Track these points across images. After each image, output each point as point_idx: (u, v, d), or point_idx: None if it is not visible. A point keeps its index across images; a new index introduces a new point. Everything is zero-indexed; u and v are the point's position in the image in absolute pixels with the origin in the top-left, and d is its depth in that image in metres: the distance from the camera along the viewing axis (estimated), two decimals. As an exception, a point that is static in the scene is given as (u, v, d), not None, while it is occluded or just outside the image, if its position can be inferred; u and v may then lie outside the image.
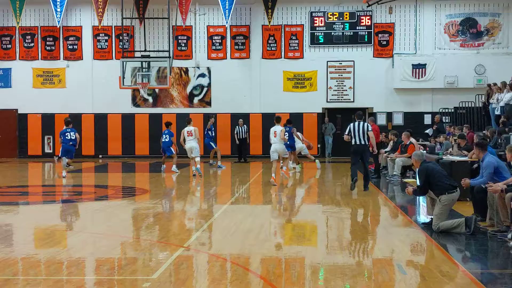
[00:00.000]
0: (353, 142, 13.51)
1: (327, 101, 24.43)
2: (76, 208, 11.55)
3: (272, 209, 11.42)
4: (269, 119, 23.67)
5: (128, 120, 24.16)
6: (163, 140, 18.67)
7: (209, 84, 24.78)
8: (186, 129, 17.69)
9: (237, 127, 22.41)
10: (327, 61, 24.26)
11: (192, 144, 17.29)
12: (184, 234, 8.80)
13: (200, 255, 7.39)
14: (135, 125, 24.50)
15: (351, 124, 13.66)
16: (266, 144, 22.76)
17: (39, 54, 25.09)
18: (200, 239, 8.40)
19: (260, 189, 14.83)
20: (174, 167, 18.41)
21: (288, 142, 17.19)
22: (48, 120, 24.88)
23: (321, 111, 24.47)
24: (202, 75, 24.83)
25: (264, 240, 8.24)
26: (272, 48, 24.50)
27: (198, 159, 17.31)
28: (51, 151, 24.89)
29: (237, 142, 22.31)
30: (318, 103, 24.33)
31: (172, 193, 14.09)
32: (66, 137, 17.04)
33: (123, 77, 20.86)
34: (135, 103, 25.03)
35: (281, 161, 15.81)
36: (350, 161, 13.80)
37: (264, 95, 24.49)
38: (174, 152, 18.70)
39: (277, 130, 15.32)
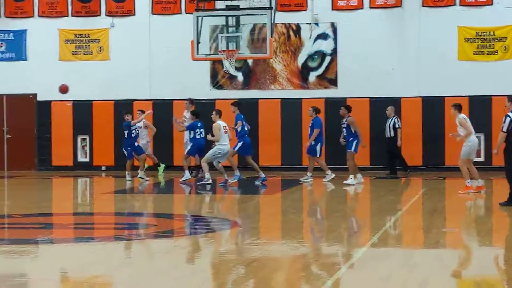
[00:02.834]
0: None
1: (533, 77, 23.85)
2: (126, 249, 11.79)
3: (441, 254, 11.21)
4: (435, 108, 23.34)
5: (205, 109, 24.50)
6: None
7: (334, 51, 24.72)
8: None
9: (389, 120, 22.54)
10: (534, 9, 23.72)
11: None
12: (296, 294, 8.78)
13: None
14: (216, 118, 24.80)
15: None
16: (430, 148, 22.41)
17: (69, 8, 25.96)
18: (323, 302, 8.35)
19: (420, 221, 14.64)
20: (142, 173, 21.63)
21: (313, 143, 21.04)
22: (83, 111, 25.68)
23: (522, 93, 23.87)
24: (322, 37, 24.81)
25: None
26: (440, -10, 24.24)
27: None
28: (87, 159, 25.67)
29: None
30: (518, 80, 23.76)
31: (275, 228, 14.17)
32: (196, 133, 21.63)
33: (198, 42, 21.17)
34: (216, 84, 25.34)
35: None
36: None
37: (425, 68, 24.15)
38: (144, 152, 22.16)
39: None
